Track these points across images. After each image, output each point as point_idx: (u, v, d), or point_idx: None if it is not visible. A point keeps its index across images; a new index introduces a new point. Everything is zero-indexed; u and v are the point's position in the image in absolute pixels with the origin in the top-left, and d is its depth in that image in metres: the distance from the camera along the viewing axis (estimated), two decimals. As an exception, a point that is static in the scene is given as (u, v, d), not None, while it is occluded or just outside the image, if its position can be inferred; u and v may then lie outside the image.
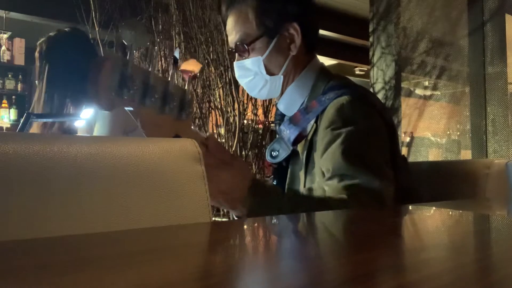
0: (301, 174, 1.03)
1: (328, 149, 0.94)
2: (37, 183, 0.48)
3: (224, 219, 2.24)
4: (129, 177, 0.53)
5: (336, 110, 0.96)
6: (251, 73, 1.08)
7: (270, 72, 1.07)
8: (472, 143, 2.63)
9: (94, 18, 2.83)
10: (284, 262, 0.39)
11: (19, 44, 5.13)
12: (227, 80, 2.60)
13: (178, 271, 0.34)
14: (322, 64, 1.12)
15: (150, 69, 0.75)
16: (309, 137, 1.01)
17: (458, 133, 2.80)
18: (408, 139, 3.01)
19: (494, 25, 2.57)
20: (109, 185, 0.52)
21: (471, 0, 2.66)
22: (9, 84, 5.18)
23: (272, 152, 1.07)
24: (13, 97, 5.18)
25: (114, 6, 2.87)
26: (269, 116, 2.70)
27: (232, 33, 1.09)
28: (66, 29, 1.65)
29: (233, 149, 2.56)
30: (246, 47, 1.06)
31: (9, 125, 5.08)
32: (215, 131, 2.69)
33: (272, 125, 2.65)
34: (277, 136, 1.10)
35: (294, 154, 1.06)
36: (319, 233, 0.57)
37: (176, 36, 2.73)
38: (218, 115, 2.67)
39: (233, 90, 2.59)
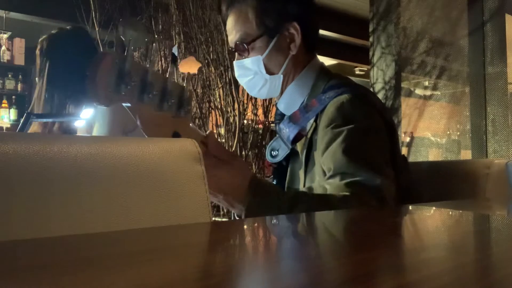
0: (301, 173, 1.03)
1: (328, 147, 0.94)
2: (37, 183, 0.48)
3: (224, 219, 2.24)
4: (129, 177, 0.53)
5: (336, 109, 0.96)
6: (251, 73, 1.08)
7: (270, 72, 1.07)
8: (472, 143, 2.63)
9: (94, 18, 2.83)
10: (284, 262, 0.39)
11: (19, 44, 5.13)
12: (227, 80, 2.60)
13: (178, 271, 0.34)
14: (322, 64, 1.12)
15: (148, 66, 0.75)
16: (308, 136, 1.01)
17: (458, 133, 2.80)
18: (408, 139, 3.01)
19: (494, 25, 2.57)
20: (109, 185, 0.52)
21: (471, 0, 2.66)
22: (9, 84, 5.18)
23: (272, 152, 1.07)
24: (13, 97, 5.18)
25: (114, 6, 2.88)
26: (269, 116, 2.70)
27: (232, 32, 1.09)
28: (68, 27, 1.65)
29: (233, 149, 2.56)
30: (246, 47, 1.06)
31: (9, 125, 5.07)
32: (215, 131, 2.70)
33: (272, 125, 2.65)
34: (276, 135, 1.10)
35: (293, 153, 1.06)
36: (319, 233, 0.57)
37: (176, 36, 2.73)
38: (218, 115, 2.67)
39: (233, 90, 2.59)
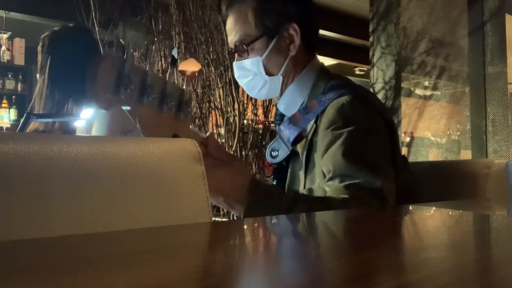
0: (301, 174, 1.03)
1: (328, 149, 0.94)
2: (37, 183, 0.48)
3: (224, 219, 2.24)
4: (129, 177, 0.53)
5: (336, 111, 0.96)
6: (250, 74, 1.08)
7: (269, 72, 1.07)
8: (472, 143, 2.63)
9: (94, 18, 2.83)
10: (284, 262, 0.39)
11: (19, 44, 5.13)
12: (227, 80, 2.60)
13: (178, 271, 0.34)
14: (322, 64, 1.12)
15: (148, 68, 0.75)
16: (309, 137, 1.01)
17: (458, 133, 2.80)
18: (408, 139, 3.01)
19: (494, 25, 2.57)
20: (109, 185, 0.52)
21: (471, 0, 2.66)
22: (9, 84, 5.18)
23: (272, 152, 1.07)
24: (13, 97, 5.18)
25: (114, 6, 2.88)
26: (269, 116, 2.70)
27: (232, 33, 1.09)
28: (70, 24, 1.65)
29: (233, 149, 2.56)
30: (245, 48, 1.06)
31: (9, 125, 5.07)
32: (215, 131, 2.69)
33: (272, 125, 2.65)
34: (276, 136, 1.10)
35: (294, 154, 1.06)
36: (319, 233, 0.57)
37: (176, 36, 2.73)
38: (218, 115, 2.67)
39: (233, 90, 2.59)
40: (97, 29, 2.81)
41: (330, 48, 5.94)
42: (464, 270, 0.35)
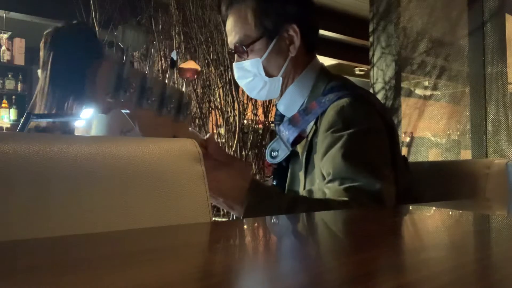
0: (301, 174, 1.03)
1: (328, 152, 0.94)
2: (37, 183, 0.48)
3: (224, 219, 2.24)
4: (129, 177, 0.53)
5: (336, 113, 0.96)
6: (250, 74, 1.08)
7: (269, 73, 1.07)
8: (472, 143, 2.63)
9: (94, 18, 2.83)
10: (284, 262, 0.39)
11: (19, 44, 5.13)
12: (227, 80, 2.60)
13: (178, 271, 0.34)
14: (322, 65, 1.12)
15: (146, 71, 0.76)
16: (308, 138, 1.01)
17: (458, 133, 2.80)
18: (408, 139, 3.01)
19: (494, 25, 2.57)
20: (109, 185, 0.52)
21: (471, 0, 2.66)
22: (9, 84, 5.18)
23: (272, 153, 1.07)
24: (13, 97, 5.18)
25: (114, 6, 2.88)
26: (269, 116, 2.70)
27: (232, 34, 1.09)
28: (74, 22, 1.66)
29: (233, 149, 2.56)
30: (245, 49, 1.06)
31: (9, 125, 5.07)
32: (215, 131, 2.69)
33: (272, 125, 2.65)
34: (276, 136, 1.09)
35: (294, 155, 1.06)
36: (319, 233, 0.57)
37: (176, 36, 2.73)
38: (218, 115, 2.67)
39: (233, 90, 2.59)
40: (97, 29, 2.81)
41: (330, 48, 5.94)
42: (464, 270, 0.35)
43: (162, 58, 2.78)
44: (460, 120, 2.76)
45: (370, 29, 3.04)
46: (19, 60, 5.14)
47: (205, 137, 0.93)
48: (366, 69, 6.81)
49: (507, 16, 2.59)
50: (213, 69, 2.65)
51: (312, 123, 1.01)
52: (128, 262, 0.36)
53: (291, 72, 1.08)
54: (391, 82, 2.93)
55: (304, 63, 1.09)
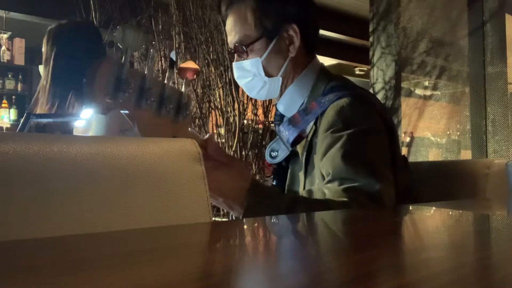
0: (301, 174, 1.03)
1: (328, 152, 0.94)
2: (37, 183, 0.48)
3: (224, 219, 2.24)
4: (129, 177, 0.53)
5: (336, 113, 0.96)
6: (249, 74, 1.08)
7: (268, 73, 1.07)
8: (472, 143, 2.63)
9: (94, 18, 2.83)
10: (284, 262, 0.39)
11: (19, 44, 5.13)
12: (227, 80, 2.60)
13: (178, 271, 0.34)
14: (322, 65, 1.12)
15: (145, 72, 0.76)
16: (308, 138, 1.01)
17: (458, 133, 2.80)
18: (408, 139, 3.01)
19: (494, 25, 2.57)
20: (109, 185, 0.52)
21: (471, 0, 2.66)
22: (9, 84, 5.18)
23: (272, 153, 1.07)
24: (13, 97, 5.18)
25: (114, 6, 2.88)
26: (269, 116, 2.70)
27: (231, 33, 1.09)
28: (78, 19, 1.67)
29: (233, 149, 2.56)
30: (245, 49, 1.06)
31: (9, 125, 5.07)
32: (215, 131, 2.69)
33: (272, 125, 2.65)
34: (276, 136, 1.09)
35: (294, 155, 1.06)
36: (319, 233, 0.57)
37: (176, 36, 2.73)
38: (218, 115, 2.67)
39: (233, 90, 2.59)
40: (97, 29, 2.81)
41: (330, 48, 5.94)
42: (464, 270, 0.35)
43: (162, 58, 2.78)
44: (460, 120, 2.76)
45: (370, 29, 3.04)
46: (19, 60, 5.14)
47: (204, 138, 0.93)
48: (366, 69, 6.81)
49: (507, 16, 2.59)
50: (213, 69, 2.65)
51: (312, 123, 1.01)
52: (128, 262, 0.36)
53: (291, 72, 1.08)
54: (391, 82, 2.93)
55: (304, 63, 1.09)
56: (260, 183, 0.99)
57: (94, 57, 1.52)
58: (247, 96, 2.63)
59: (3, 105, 5.11)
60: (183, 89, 0.84)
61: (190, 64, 2.56)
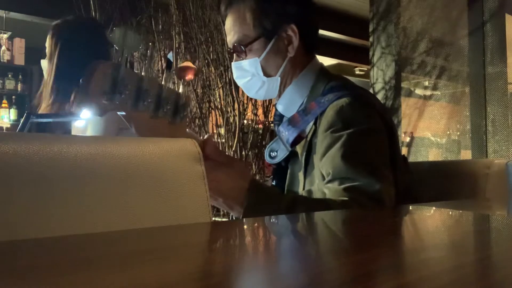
0: (301, 175, 1.03)
1: (328, 152, 0.93)
2: (37, 183, 0.48)
3: (224, 219, 2.24)
4: (129, 177, 0.53)
5: (335, 113, 0.95)
6: (248, 74, 1.08)
7: (267, 73, 1.07)
8: (472, 143, 2.63)
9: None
10: (284, 262, 0.39)
11: (19, 44, 5.13)
12: (227, 80, 2.60)
13: (178, 271, 0.34)
14: (321, 65, 1.12)
15: (143, 71, 0.75)
16: (308, 138, 1.01)
17: (458, 133, 2.80)
18: (408, 139, 3.01)
19: (494, 25, 2.57)
20: (109, 185, 0.52)
21: (471, 0, 2.66)
22: (9, 84, 5.18)
23: (271, 153, 1.06)
24: (13, 97, 5.18)
25: (114, 6, 2.88)
26: (269, 116, 2.70)
27: (230, 33, 1.09)
28: (83, 15, 1.67)
29: (233, 149, 2.56)
30: (243, 49, 1.06)
31: (9, 125, 5.07)
32: (215, 131, 2.69)
33: (272, 125, 2.65)
34: (276, 136, 1.09)
35: (293, 155, 1.06)
36: (319, 233, 0.57)
37: (176, 36, 2.73)
38: (218, 115, 2.67)
39: (233, 90, 2.59)
40: (97, 29, 2.81)
41: (330, 48, 5.94)
42: (464, 270, 0.35)
43: (162, 58, 2.78)
44: (460, 120, 2.77)
45: (370, 29, 3.04)
46: (19, 60, 5.14)
47: (203, 139, 0.93)
48: (366, 69, 6.81)
49: (507, 16, 2.58)
50: (213, 69, 2.65)
51: (311, 123, 1.01)
52: (128, 262, 0.36)
53: (290, 72, 1.08)
54: (391, 82, 2.93)
55: (303, 63, 1.09)
56: (260, 183, 0.99)
57: (99, 53, 1.53)
58: (247, 96, 2.63)
59: (3, 105, 5.12)
60: (181, 90, 0.84)
61: (187, 64, 2.57)
